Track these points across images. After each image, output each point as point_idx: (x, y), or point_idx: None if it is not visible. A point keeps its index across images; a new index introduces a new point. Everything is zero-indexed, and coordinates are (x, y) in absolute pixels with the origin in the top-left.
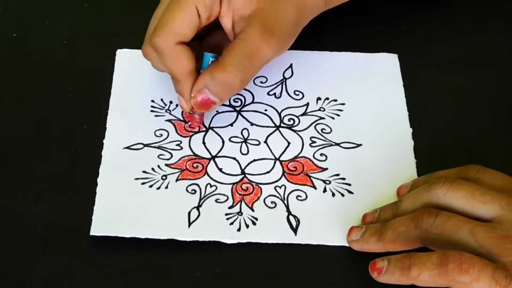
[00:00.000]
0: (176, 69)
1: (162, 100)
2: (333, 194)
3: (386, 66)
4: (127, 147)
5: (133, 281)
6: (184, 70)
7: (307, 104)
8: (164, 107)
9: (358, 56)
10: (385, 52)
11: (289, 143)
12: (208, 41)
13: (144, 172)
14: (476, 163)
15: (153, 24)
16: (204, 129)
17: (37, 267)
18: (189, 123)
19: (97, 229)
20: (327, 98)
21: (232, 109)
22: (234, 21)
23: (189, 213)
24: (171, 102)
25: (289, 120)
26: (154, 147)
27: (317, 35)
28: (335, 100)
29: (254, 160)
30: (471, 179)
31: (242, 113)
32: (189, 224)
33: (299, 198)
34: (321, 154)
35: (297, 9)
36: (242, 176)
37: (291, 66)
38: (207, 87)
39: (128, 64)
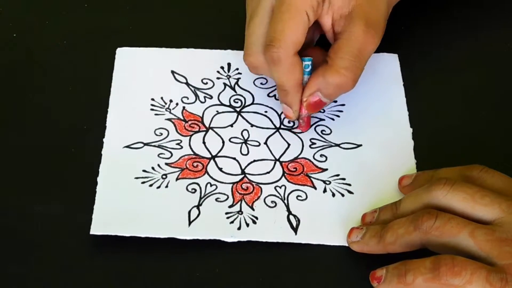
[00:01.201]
0: (290, 80)
1: (162, 98)
2: (333, 194)
3: (386, 66)
4: (127, 146)
5: (133, 280)
6: (297, 82)
7: None
8: (164, 106)
9: None
10: (385, 52)
11: (289, 145)
12: None
13: (144, 171)
14: (476, 163)
15: (256, 33)
16: (204, 129)
17: (37, 267)
18: (189, 122)
19: (97, 228)
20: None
21: (232, 110)
22: (334, 20)
23: (189, 212)
24: (171, 101)
25: (289, 122)
26: (154, 146)
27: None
28: (335, 101)
29: (254, 161)
30: (473, 179)
31: (242, 114)
32: (189, 223)
33: (299, 198)
34: (321, 155)
35: (388, 1)
36: (242, 176)
37: None
38: (320, 90)
39: (128, 62)
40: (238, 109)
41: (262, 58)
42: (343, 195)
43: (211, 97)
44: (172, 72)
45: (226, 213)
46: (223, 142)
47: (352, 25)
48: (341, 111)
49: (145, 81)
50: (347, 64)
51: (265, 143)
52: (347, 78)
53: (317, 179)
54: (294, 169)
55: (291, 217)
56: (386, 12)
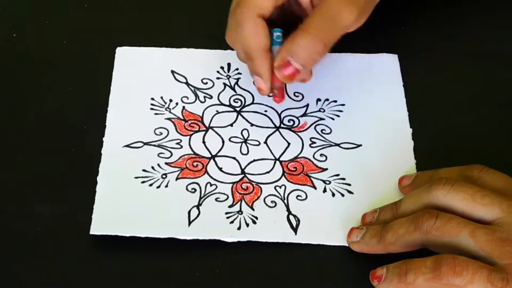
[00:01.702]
0: (254, 43)
1: (162, 98)
2: (333, 194)
3: (386, 66)
4: (127, 146)
5: (133, 280)
6: (261, 46)
7: (307, 105)
8: (164, 105)
9: (358, 56)
10: (385, 53)
11: (289, 144)
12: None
13: (144, 170)
14: (476, 163)
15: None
16: (204, 128)
17: (37, 267)
18: (189, 122)
19: (97, 228)
20: (327, 99)
21: (232, 110)
22: None
23: (189, 212)
24: (171, 101)
25: (289, 121)
26: (154, 145)
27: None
28: (335, 101)
29: (254, 160)
30: (473, 178)
31: (242, 113)
32: (189, 222)
33: (299, 198)
34: (321, 155)
35: None
36: (242, 175)
37: None
38: (291, 54)
39: (128, 62)
40: (238, 109)
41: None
42: (343, 195)
43: (211, 97)
44: (172, 71)
45: (226, 213)
46: (223, 141)
47: None
48: (341, 111)
49: (145, 80)
50: (318, 25)
51: (265, 142)
52: (317, 39)
53: (317, 178)
54: (294, 169)
55: (291, 217)
56: None
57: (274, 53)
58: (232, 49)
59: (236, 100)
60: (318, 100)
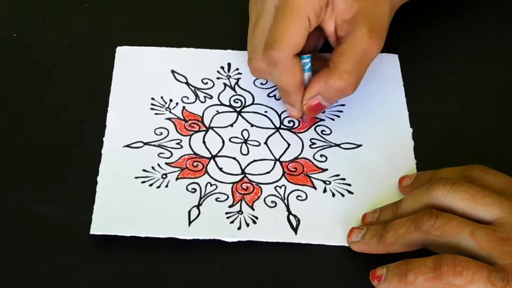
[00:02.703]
0: (290, 82)
1: (162, 98)
2: (333, 194)
3: (386, 66)
4: (127, 145)
5: (133, 280)
6: (297, 82)
7: None
8: (164, 105)
9: None
10: (385, 52)
11: (289, 145)
12: None
13: (144, 170)
14: (476, 163)
15: (260, 37)
16: (205, 128)
17: (37, 267)
18: (189, 122)
19: (97, 228)
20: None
21: (232, 110)
22: (337, 24)
23: (189, 211)
24: (171, 100)
25: (289, 122)
26: (154, 145)
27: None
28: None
29: (254, 161)
30: (474, 178)
31: (242, 114)
32: (189, 222)
33: (299, 198)
34: (321, 155)
35: (391, 4)
36: (242, 175)
37: None
38: (320, 94)
39: (128, 61)
40: (238, 109)
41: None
42: (343, 195)
43: (211, 97)
44: (172, 71)
45: (226, 213)
46: (223, 142)
47: (356, 29)
48: (341, 111)
49: (145, 80)
50: (350, 68)
51: (265, 143)
52: (348, 83)
53: (317, 179)
54: (294, 169)
55: (291, 217)
56: (389, 16)
57: (304, 79)
58: (232, 49)
59: (236, 101)
60: None
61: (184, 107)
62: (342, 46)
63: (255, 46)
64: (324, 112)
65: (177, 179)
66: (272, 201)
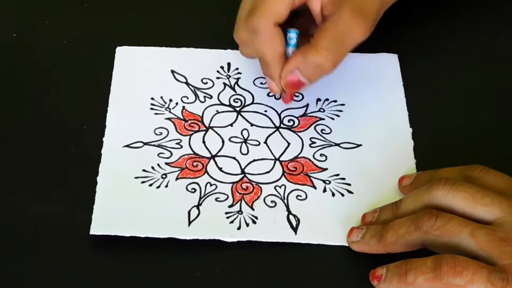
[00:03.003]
0: (269, 51)
1: (162, 98)
2: (333, 194)
3: (386, 66)
4: (127, 146)
5: (133, 280)
6: (276, 53)
7: (307, 105)
8: (164, 105)
9: (358, 56)
10: (385, 52)
11: (289, 144)
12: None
13: (144, 170)
14: (476, 163)
15: (244, 8)
16: (204, 128)
17: (37, 267)
18: (189, 122)
19: (97, 229)
20: (327, 99)
21: (232, 109)
22: (323, 4)
23: (189, 211)
24: (171, 100)
25: (288, 121)
26: (154, 145)
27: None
28: (335, 101)
29: (254, 160)
30: (473, 178)
31: (242, 113)
32: (189, 222)
33: (299, 197)
34: (321, 155)
35: None
36: (242, 175)
37: None
38: (299, 68)
39: (128, 61)
40: (238, 109)
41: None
42: (343, 195)
43: (211, 97)
44: (172, 71)
45: (226, 213)
46: (223, 141)
47: (340, 9)
48: (341, 111)
49: (145, 80)
50: (329, 45)
51: (265, 142)
52: (326, 58)
53: (317, 178)
54: (294, 169)
55: (291, 217)
56: (378, 4)
57: (287, 54)
58: (232, 49)
59: (236, 100)
60: (318, 100)
61: (184, 107)
62: (325, 24)
63: (240, 17)
64: (323, 110)
65: (177, 179)
66: (272, 201)
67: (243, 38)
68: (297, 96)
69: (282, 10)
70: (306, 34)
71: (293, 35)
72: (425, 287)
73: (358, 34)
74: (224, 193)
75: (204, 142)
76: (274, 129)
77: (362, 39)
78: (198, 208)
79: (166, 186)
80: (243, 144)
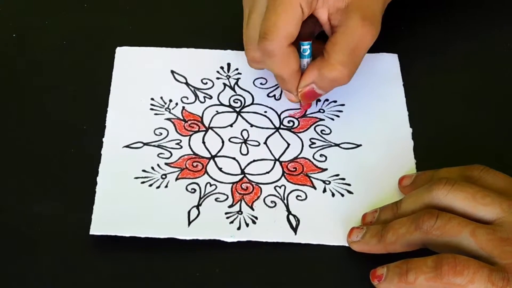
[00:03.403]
0: (285, 70)
1: (161, 98)
2: (333, 194)
3: (386, 66)
4: (127, 146)
5: (133, 280)
6: (292, 71)
7: None
8: (163, 106)
9: None
10: (385, 52)
11: (288, 145)
12: None
13: (143, 171)
14: (476, 163)
15: (254, 28)
16: (204, 128)
17: (37, 267)
18: (189, 122)
19: (96, 229)
20: (327, 100)
21: (232, 110)
22: (330, 13)
23: (188, 212)
24: (170, 101)
25: (288, 121)
26: (154, 145)
27: (317, 36)
28: (335, 101)
29: (254, 161)
30: (474, 178)
31: (242, 114)
32: (189, 223)
33: (299, 198)
34: (321, 155)
35: None
36: (242, 175)
37: None
38: (314, 83)
39: (128, 61)
40: (237, 109)
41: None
42: (342, 195)
43: (210, 97)
44: (172, 72)
45: (226, 213)
46: (223, 142)
47: (349, 19)
48: (341, 111)
49: (144, 80)
50: (343, 59)
51: (265, 143)
52: (342, 74)
53: (317, 179)
54: (294, 169)
55: (291, 217)
56: (382, 5)
57: (302, 65)
58: (232, 49)
59: (236, 101)
60: (318, 100)
61: (183, 107)
62: (335, 36)
63: (250, 37)
64: (323, 111)
65: (176, 179)
66: (271, 201)
67: (256, 58)
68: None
69: (294, 30)
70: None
71: (306, 47)
72: (426, 287)
73: (369, 41)
74: (224, 193)
75: (204, 142)
76: (274, 130)
77: (372, 44)
78: (198, 208)
79: (166, 186)
80: (243, 144)
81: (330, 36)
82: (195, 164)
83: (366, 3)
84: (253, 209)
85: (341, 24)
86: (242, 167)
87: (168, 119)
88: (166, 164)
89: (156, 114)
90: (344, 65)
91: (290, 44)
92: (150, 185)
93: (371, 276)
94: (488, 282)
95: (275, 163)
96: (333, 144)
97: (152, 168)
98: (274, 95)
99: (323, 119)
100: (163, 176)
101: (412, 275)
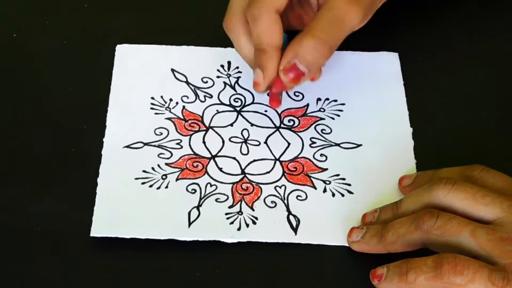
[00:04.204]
0: (268, 38)
1: (162, 97)
2: (333, 194)
3: (387, 65)
4: (127, 146)
5: (133, 281)
6: (275, 42)
7: (307, 105)
8: (164, 105)
9: (358, 55)
10: (385, 51)
11: (289, 144)
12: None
13: (144, 171)
14: (477, 163)
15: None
16: (204, 128)
17: (37, 267)
18: (189, 122)
19: (97, 230)
20: (327, 99)
21: (232, 109)
22: None
23: (189, 212)
24: (171, 100)
25: (289, 121)
26: (154, 146)
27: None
28: (335, 101)
29: (254, 160)
30: (474, 178)
31: (242, 113)
32: (189, 224)
33: (299, 198)
34: (321, 155)
35: None
36: (242, 176)
37: None
38: (297, 56)
39: (128, 60)
40: (238, 109)
41: (240, 18)
42: (343, 195)
43: (211, 96)
44: (172, 70)
45: (226, 214)
46: (223, 141)
47: None
48: (341, 111)
49: (145, 79)
50: (324, 28)
51: (265, 142)
52: (323, 42)
53: (317, 179)
54: (294, 169)
55: (291, 217)
56: None
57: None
58: (232, 47)
59: (236, 100)
60: (318, 99)
61: (184, 107)
62: (320, 11)
63: (232, 6)
64: (324, 110)
65: (177, 179)
66: (272, 201)
67: (234, 25)
68: (297, 95)
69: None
70: (302, 26)
71: (284, 39)
72: (426, 286)
73: (353, 19)
74: (224, 194)
75: (204, 142)
76: (274, 129)
77: (357, 25)
78: (198, 209)
79: (166, 187)
80: (243, 144)
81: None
82: (195, 164)
83: None
84: (253, 210)
85: (327, 0)
86: (243, 167)
87: (169, 118)
88: (166, 164)
89: (156, 113)
90: (324, 33)
91: (277, 14)
92: (151, 186)
93: (371, 276)
94: (488, 282)
95: (275, 163)
96: (333, 144)
97: (153, 168)
98: None
99: (324, 118)
100: (164, 177)
101: (412, 274)
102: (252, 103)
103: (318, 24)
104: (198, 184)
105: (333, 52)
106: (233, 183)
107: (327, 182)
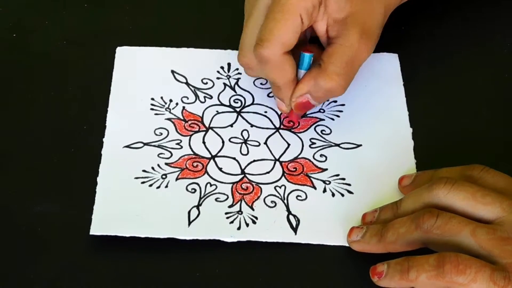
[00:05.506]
0: (280, 78)
1: (162, 98)
2: (333, 194)
3: (386, 66)
4: (127, 146)
5: (133, 280)
6: (287, 79)
7: None
8: (164, 106)
9: None
10: (385, 52)
11: (289, 145)
12: None
13: (144, 171)
14: (476, 163)
15: (248, 36)
16: (204, 128)
17: (37, 267)
18: (189, 122)
19: (97, 229)
20: (327, 99)
21: (232, 110)
22: (329, 24)
23: (189, 212)
24: (171, 101)
25: (288, 122)
26: (154, 146)
27: (317, 36)
28: (335, 101)
29: (254, 161)
30: (474, 178)
31: (242, 114)
32: (189, 223)
33: (299, 198)
34: (321, 155)
35: (385, 9)
36: (242, 175)
37: None
38: (310, 93)
39: (128, 61)
40: (238, 109)
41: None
42: (343, 195)
43: (211, 97)
44: (172, 71)
45: (226, 213)
46: (223, 142)
47: (347, 31)
48: (341, 111)
49: (145, 80)
50: (339, 70)
51: (265, 143)
52: (338, 84)
53: (317, 179)
54: (294, 169)
55: (291, 217)
56: (382, 21)
57: (299, 76)
58: (232, 49)
59: (236, 101)
60: None
61: (184, 107)
62: (332, 47)
63: (244, 43)
64: (323, 111)
65: (177, 179)
66: (272, 201)
67: (248, 63)
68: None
69: (291, 39)
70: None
71: (307, 59)
72: (427, 285)
73: (365, 56)
74: (224, 193)
75: (204, 142)
76: (274, 130)
77: (367, 58)
78: (198, 208)
79: (166, 186)
80: (243, 144)
81: (327, 47)
82: (195, 164)
83: (365, 17)
84: (253, 209)
85: (339, 35)
86: (242, 167)
87: (169, 119)
88: (166, 164)
89: (156, 114)
90: (340, 76)
91: (286, 52)
92: (150, 185)
93: (371, 272)
94: (490, 281)
95: (275, 163)
96: (333, 144)
97: (152, 168)
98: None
99: (323, 119)
100: (163, 176)
101: (414, 272)
102: (252, 104)
103: (333, 64)
104: (198, 184)
105: (346, 90)
106: (233, 183)
107: (327, 182)
